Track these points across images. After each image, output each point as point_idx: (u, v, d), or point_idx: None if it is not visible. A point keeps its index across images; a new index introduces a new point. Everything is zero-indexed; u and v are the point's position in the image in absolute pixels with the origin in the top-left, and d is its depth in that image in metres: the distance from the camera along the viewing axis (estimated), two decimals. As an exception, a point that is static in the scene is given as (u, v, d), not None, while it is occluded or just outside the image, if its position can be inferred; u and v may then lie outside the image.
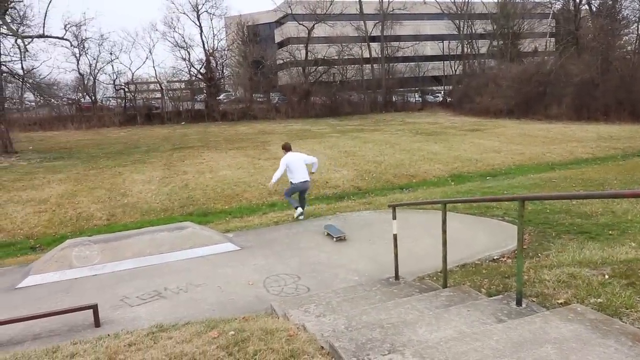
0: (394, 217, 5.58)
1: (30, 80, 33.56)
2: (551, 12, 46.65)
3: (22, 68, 31.84)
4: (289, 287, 6.03)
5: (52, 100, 39.02)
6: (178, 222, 8.54)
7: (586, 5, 39.91)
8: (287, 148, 9.74)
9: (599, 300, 3.61)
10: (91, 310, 5.26)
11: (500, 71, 40.37)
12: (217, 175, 15.80)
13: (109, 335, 4.41)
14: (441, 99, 50.93)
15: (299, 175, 9.45)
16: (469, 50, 51.39)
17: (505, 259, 6.28)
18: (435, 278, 5.64)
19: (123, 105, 42.88)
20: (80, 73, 41.61)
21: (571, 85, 32.48)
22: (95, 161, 20.29)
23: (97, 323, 5.25)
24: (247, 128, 34.27)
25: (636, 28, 36.32)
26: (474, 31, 50.90)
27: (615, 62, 32.73)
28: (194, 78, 46.22)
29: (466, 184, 13.69)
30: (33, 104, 40.44)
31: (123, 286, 6.41)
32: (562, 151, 19.11)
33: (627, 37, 37.16)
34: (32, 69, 34.14)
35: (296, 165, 9.43)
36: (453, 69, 52.64)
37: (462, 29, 50.53)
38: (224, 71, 49.99)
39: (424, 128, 29.73)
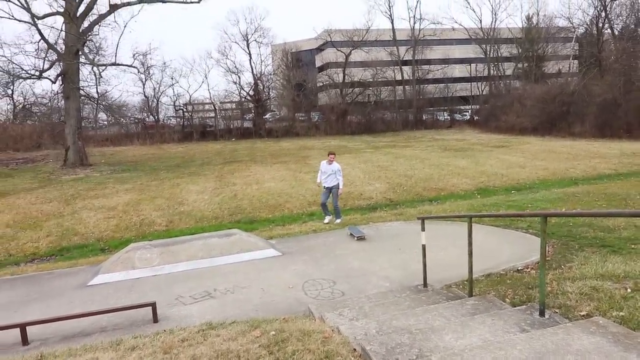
0: (423, 229, 5.49)
1: (104, 103, 35.29)
2: (574, 36, 45.16)
3: (97, 92, 33.53)
4: (325, 290, 6.00)
5: (122, 119, 40.83)
6: (227, 229, 8.67)
7: (609, 29, 38.42)
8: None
9: (621, 313, 3.42)
10: (150, 307, 5.41)
11: (524, 91, 39.25)
12: (263, 187, 15.97)
13: (165, 330, 4.52)
14: (469, 117, 49.94)
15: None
16: (495, 72, 50.32)
17: (529, 269, 6.04)
18: (461, 287, 5.48)
19: (182, 123, 44.18)
20: (145, 96, 43.27)
21: (594, 104, 31.20)
22: (156, 173, 20.90)
23: (155, 319, 5.38)
24: (289, 144, 34.59)
25: (658, 50, 34.65)
26: (500, 54, 49.83)
27: (638, 83, 31.25)
28: (243, 99, 47.16)
29: (492, 198, 13.30)
30: (105, 122, 42.30)
31: (178, 286, 6.55)
32: (585, 167, 18.31)
33: (649, 59, 35.49)
34: (105, 93, 35.95)
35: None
36: (480, 90, 51.62)
37: (488, 52, 49.59)
38: (270, 93, 50.81)
39: (452, 144, 29.19)
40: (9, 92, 35.37)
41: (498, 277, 5.77)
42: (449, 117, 49.42)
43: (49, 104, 36.28)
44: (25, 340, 5.01)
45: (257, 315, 5.18)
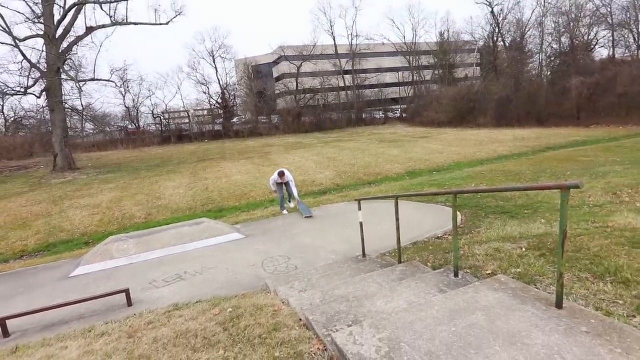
0: (359, 208, 5.31)
1: (90, 113, 32.93)
2: (476, 47, 46.70)
3: (81, 104, 31.22)
4: (281, 266, 5.74)
5: (106, 127, 38.33)
6: (197, 218, 8.19)
7: (501, 42, 39.97)
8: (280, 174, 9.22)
9: (518, 270, 3.39)
10: (124, 293, 4.95)
11: (440, 92, 40.32)
12: (230, 179, 15.41)
13: (135, 314, 4.11)
14: (398, 114, 50.77)
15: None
16: (417, 77, 51.30)
17: (447, 236, 6.04)
18: (393, 254, 5.39)
19: (160, 129, 42.10)
20: (126, 106, 40.83)
21: (492, 101, 32.52)
22: (137, 173, 19.76)
23: (129, 303, 4.93)
24: (254, 142, 33.79)
25: (538, 57, 36.49)
26: (420, 63, 50.83)
27: (524, 83, 32.82)
28: (213, 106, 45.55)
29: (418, 178, 13.46)
30: (91, 131, 39.54)
31: (152, 271, 6.09)
32: (488, 150, 18.97)
33: (531, 64, 37.31)
34: (90, 105, 33.53)
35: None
36: (407, 92, 52.54)
37: (411, 62, 50.44)
38: (236, 100, 49.33)
39: (386, 137, 29.50)
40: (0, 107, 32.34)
41: (422, 244, 5.73)
42: (383, 115, 49.98)
43: (37, 117, 33.46)
44: (5, 333, 4.44)
45: (221, 293, 4.85)
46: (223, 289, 5.06)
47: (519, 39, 37.28)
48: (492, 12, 39.74)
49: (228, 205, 11.82)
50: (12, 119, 34.76)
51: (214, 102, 44.85)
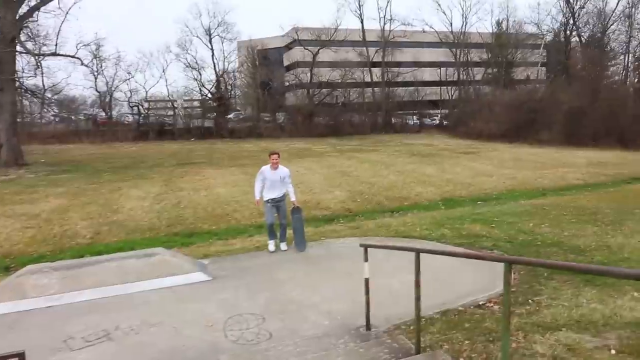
0: (366, 259, 4.58)
1: (54, 97, 33.12)
2: (543, 42, 45.92)
3: (43, 85, 31.34)
4: (250, 331, 5.03)
5: (71, 115, 38.67)
6: (149, 248, 7.58)
7: (576, 37, 39.15)
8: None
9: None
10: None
11: (494, 97, 39.60)
12: (212, 193, 14.86)
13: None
14: (438, 122, 50.06)
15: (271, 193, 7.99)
16: (464, 76, 50.66)
17: (491, 304, 5.25)
18: (410, 329, 4.62)
19: (137, 121, 42.28)
20: (97, 90, 41.15)
21: (561, 112, 31.55)
22: (99, 175, 19.42)
23: (23, 374, 4.28)
24: (252, 146, 33.44)
25: (623, 59, 35.50)
26: (469, 59, 50.18)
27: (604, 91, 31.81)
28: (204, 97, 45.69)
29: (457, 209, 12.65)
30: (52, 118, 39.95)
31: (73, 322, 5.43)
32: (553, 176, 18.04)
33: (614, 68, 36.34)
34: (54, 86, 33.64)
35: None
36: (450, 94, 51.87)
37: (458, 56, 49.84)
38: (235, 91, 49.50)
39: (419, 150, 28.78)
40: None
41: (455, 316, 4.93)
42: (418, 122, 49.40)
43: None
44: None
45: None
46: (160, 363, 4.38)
47: (599, 35, 36.54)
48: (566, -2, 39.08)
49: (202, 228, 11.22)
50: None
51: (207, 91, 44.96)
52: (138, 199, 14.25)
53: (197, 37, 46.54)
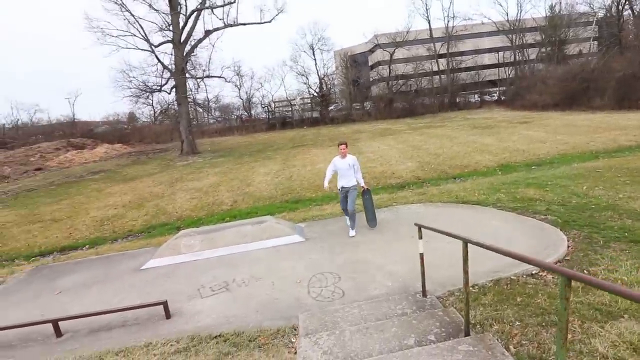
0: (420, 237, 3.75)
1: (212, 105, 35.61)
2: (595, 20, 37.13)
3: (207, 98, 33.76)
4: (327, 289, 4.55)
5: (225, 117, 41.33)
6: (260, 216, 7.46)
7: (629, 10, 30.84)
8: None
9: None
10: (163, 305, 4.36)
11: (547, 72, 33.24)
12: (315, 168, 14.60)
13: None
14: (496, 97, 43.99)
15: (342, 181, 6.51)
16: (520, 57, 43.44)
17: (544, 273, 4.09)
18: (463, 299, 3.74)
19: (268, 117, 43.84)
20: (241, 98, 43.40)
21: (613, 79, 25.31)
22: (241, 158, 20.36)
23: (167, 315, 4.33)
24: (346, 129, 32.67)
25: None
26: (524, 42, 42.74)
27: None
28: (312, 95, 45.60)
29: (512, 174, 10.72)
30: (213, 120, 43.12)
31: (207, 274, 5.47)
32: (605, 140, 14.51)
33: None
34: (217, 97, 36.26)
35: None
36: (507, 74, 45.03)
37: (514, 41, 42.74)
38: (335, 89, 48.64)
39: (480, 123, 25.45)
40: (150, 101, 37.11)
41: (508, 285, 3.89)
42: (479, 99, 43.93)
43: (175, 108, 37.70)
44: (58, 333, 4.22)
45: (254, 319, 3.94)
46: (259, 313, 4.12)
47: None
48: (622, -26, 30.75)
49: (305, 196, 10.99)
50: (159, 110, 39.74)
51: (313, 91, 44.78)
52: (264, 174, 14.54)
53: (304, 51, 46.28)
